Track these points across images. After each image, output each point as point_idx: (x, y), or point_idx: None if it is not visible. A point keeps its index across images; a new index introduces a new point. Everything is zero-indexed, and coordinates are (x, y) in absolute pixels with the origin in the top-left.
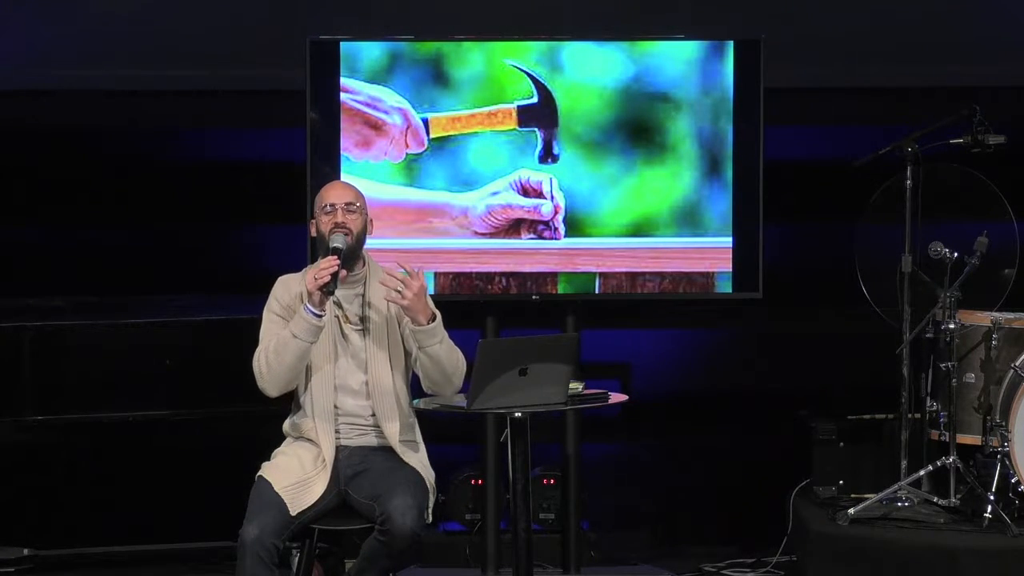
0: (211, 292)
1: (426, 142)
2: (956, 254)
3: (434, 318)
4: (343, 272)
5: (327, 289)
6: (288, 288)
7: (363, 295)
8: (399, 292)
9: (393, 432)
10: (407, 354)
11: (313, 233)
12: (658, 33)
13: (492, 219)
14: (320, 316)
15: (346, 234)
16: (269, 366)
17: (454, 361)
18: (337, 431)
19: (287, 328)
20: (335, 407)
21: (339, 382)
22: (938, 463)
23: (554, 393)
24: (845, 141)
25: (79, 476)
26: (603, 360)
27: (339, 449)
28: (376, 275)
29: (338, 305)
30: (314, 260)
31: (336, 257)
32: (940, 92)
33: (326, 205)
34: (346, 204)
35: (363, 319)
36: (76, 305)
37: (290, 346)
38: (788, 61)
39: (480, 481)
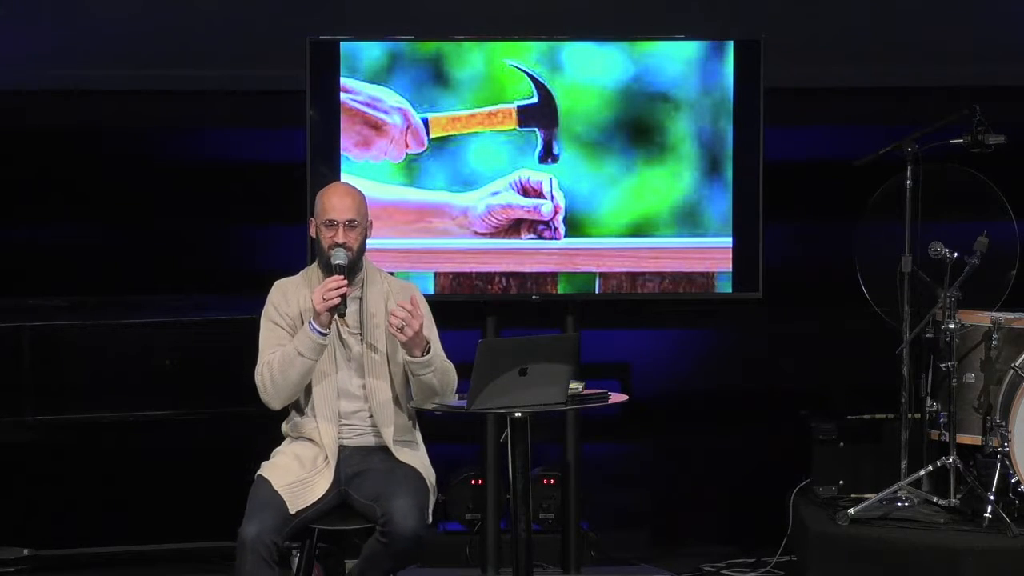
0: (211, 292)
1: (426, 142)
2: (956, 254)
3: (428, 349)
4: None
5: (339, 311)
6: (285, 295)
7: (361, 299)
8: (401, 329)
9: (388, 434)
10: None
11: (312, 233)
12: (658, 33)
13: (492, 219)
14: (325, 335)
15: (347, 251)
16: (274, 383)
17: (446, 383)
18: (340, 432)
19: (290, 344)
20: (338, 412)
21: (340, 386)
22: (938, 463)
23: (554, 393)
24: (845, 141)
25: (79, 476)
26: (603, 360)
27: (340, 448)
28: (373, 279)
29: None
30: (313, 259)
31: (343, 276)
32: (940, 92)
33: (328, 219)
34: (347, 221)
35: (361, 324)
36: (76, 305)
37: (295, 364)
38: (788, 61)
39: (480, 481)
